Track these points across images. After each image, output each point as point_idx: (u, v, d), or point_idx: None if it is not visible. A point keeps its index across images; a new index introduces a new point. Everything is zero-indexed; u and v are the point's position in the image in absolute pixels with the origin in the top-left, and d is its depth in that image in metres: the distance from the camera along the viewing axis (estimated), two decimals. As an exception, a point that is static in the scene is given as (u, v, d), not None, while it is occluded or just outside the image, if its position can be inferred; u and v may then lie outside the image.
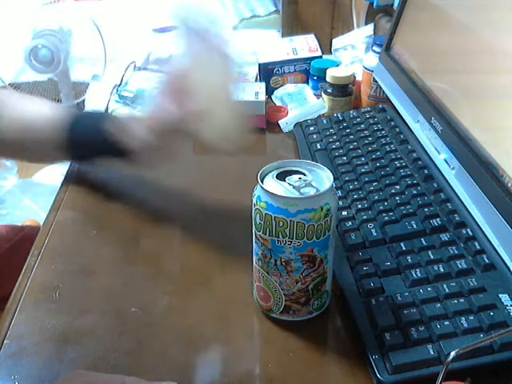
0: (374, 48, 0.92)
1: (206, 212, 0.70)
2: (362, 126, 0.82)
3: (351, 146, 0.77)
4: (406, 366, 0.47)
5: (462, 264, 0.54)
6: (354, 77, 0.92)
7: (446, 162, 0.66)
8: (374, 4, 1.29)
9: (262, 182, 0.49)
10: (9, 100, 0.76)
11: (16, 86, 1.73)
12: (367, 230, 0.61)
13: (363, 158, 0.74)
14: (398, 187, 0.66)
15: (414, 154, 0.72)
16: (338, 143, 0.80)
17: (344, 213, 0.65)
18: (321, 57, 1.03)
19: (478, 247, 0.55)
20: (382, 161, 0.72)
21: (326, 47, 1.16)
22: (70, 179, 0.77)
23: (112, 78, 1.05)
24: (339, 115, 0.86)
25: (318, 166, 0.51)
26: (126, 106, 0.98)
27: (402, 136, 0.76)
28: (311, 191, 0.48)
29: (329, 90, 0.91)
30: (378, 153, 0.74)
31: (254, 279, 0.55)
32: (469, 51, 0.65)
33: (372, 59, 0.91)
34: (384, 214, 0.62)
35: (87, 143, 0.70)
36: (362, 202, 0.66)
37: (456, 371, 0.44)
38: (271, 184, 0.49)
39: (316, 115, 0.90)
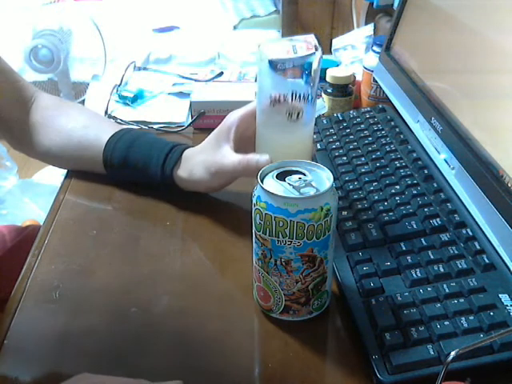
0: (374, 48, 0.92)
1: (206, 212, 0.70)
2: (362, 125, 0.82)
3: (351, 146, 0.77)
4: (406, 365, 0.47)
5: (461, 264, 0.54)
6: (354, 77, 0.92)
7: (446, 162, 0.66)
8: (374, 4, 1.29)
9: (261, 182, 0.49)
10: (59, 112, 0.77)
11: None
12: (367, 229, 0.61)
13: (363, 158, 0.74)
14: (398, 187, 0.66)
15: (414, 154, 0.72)
16: (338, 143, 0.80)
17: (344, 213, 0.64)
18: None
19: (478, 247, 0.55)
20: (382, 161, 0.72)
21: (326, 47, 1.16)
22: (70, 179, 0.77)
23: (112, 78, 1.05)
24: (339, 115, 0.86)
25: (318, 166, 0.51)
26: (126, 105, 0.98)
27: (402, 136, 0.76)
28: (311, 191, 0.48)
29: (329, 90, 0.91)
30: (378, 153, 0.74)
31: (254, 279, 0.55)
32: (468, 51, 0.65)
33: (372, 59, 0.91)
34: (384, 214, 0.62)
35: (137, 174, 0.72)
36: (362, 202, 0.66)
37: (456, 371, 0.44)
38: (271, 184, 0.49)
39: (316, 115, 0.89)
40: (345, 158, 0.76)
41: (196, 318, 0.56)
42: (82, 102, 1.22)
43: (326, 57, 1.05)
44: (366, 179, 0.69)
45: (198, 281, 0.61)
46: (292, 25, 2.14)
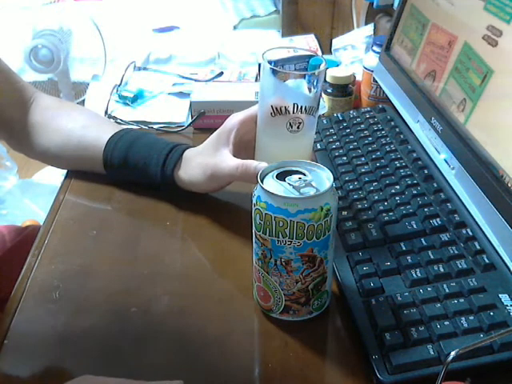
0: (374, 48, 0.92)
1: (206, 212, 0.70)
2: (362, 125, 0.82)
3: (351, 146, 0.77)
4: (406, 365, 0.47)
5: (461, 264, 0.54)
6: (354, 77, 0.92)
7: (446, 162, 0.66)
8: (374, 4, 1.29)
9: (261, 182, 0.49)
10: (59, 113, 0.77)
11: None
12: (367, 229, 0.61)
13: (363, 158, 0.74)
14: (398, 187, 0.66)
15: (414, 154, 0.72)
16: (338, 143, 0.80)
17: (344, 213, 0.64)
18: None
19: (478, 247, 0.55)
20: (382, 161, 0.72)
21: (326, 47, 1.17)
22: (70, 179, 0.77)
23: (112, 78, 1.05)
24: (339, 115, 0.86)
25: (318, 166, 0.51)
26: (126, 105, 0.98)
27: (402, 136, 0.76)
28: (311, 191, 0.48)
29: (329, 90, 0.91)
30: (378, 153, 0.74)
31: (254, 279, 0.55)
32: (468, 51, 0.65)
33: (372, 59, 0.91)
34: (384, 214, 0.62)
35: (137, 174, 0.72)
36: (362, 202, 0.66)
37: (456, 371, 0.44)
38: (271, 184, 0.49)
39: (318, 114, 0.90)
40: (345, 157, 0.76)
41: (196, 318, 0.56)
42: (82, 102, 1.22)
43: (326, 57, 1.05)
44: (366, 179, 0.69)
45: (198, 281, 0.61)
46: (292, 25, 2.14)
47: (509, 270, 0.52)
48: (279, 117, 0.60)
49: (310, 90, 0.59)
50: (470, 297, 0.50)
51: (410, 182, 0.66)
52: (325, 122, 0.86)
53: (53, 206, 0.72)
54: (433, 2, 0.76)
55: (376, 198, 0.65)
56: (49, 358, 0.52)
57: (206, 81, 1.03)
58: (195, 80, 1.04)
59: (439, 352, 0.47)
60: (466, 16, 0.67)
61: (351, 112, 0.86)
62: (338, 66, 1.05)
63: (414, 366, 0.47)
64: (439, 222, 0.60)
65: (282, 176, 0.49)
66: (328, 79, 0.91)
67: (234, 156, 0.64)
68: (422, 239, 0.58)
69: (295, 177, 0.49)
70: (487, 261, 0.54)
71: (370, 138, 0.78)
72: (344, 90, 0.91)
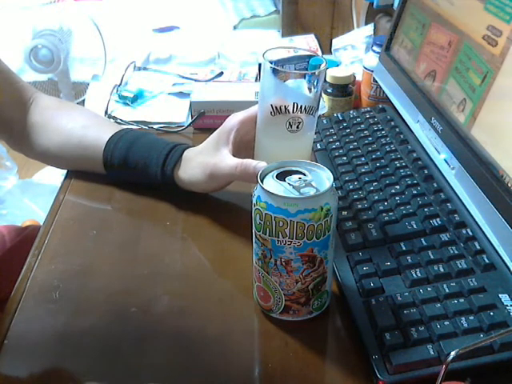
0: (374, 48, 0.92)
1: (206, 212, 0.70)
2: (362, 125, 0.82)
3: (351, 146, 0.77)
4: (406, 365, 0.47)
5: (461, 264, 0.54)
6: (354, 77, 0.92)
7: (446, 162, 0.66)
8: (374, 4, 1.29)
9: (261, 182, 0.49)
10: (58, 113, 0.78)
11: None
12: (367, 229, 0.61)
13: (363, 158, 0.74)
14: (398, 187, 0.66)
15: (414, 154, 0.72)
16: (338, 143, 0.80)
17: (344, 213, 0.64)
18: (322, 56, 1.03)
19: (478, 247, 0.55)
20: (382, 161, 0.72)
21: (326, 47, 1.17)
22: (70, 179, 0.77)
23: (112, 78, 1.05)
24: (339, 115, 0.86)
25: (318, 166, 0.51)
26: (126, 105, 0.98)
27: (402, 136, 0.76)
28: (311, 191, 0.48)
29: (329, 90, 0.91)
30: (378, 153, 0.74)
31: (254, 279, 0.55)
32: (468, 51, 0.65)
33: (372, 59, 0.91)
34: (384, 214, 0.62)
35: (137, 174, 0.72)
36: (362, 202, 0.66)
37: (456, 371, 0.44)
38: (271, 184, 0.49)
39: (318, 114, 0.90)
40: (345, 157, 0.76)
41: (196, 318, 0.56)
42: (82, 102, 1.22)
43: (326, 57, 1.05)
44: (366, 179, 0.69)
45: (198, 281, 0.61)
46: (292, 25, 2.14)
47: (509, 269, 0.52)
48: (279, 116, 0.60)
49: (310, 89, 0.59)
50: (470, 297, 0.50)
51: (410, 182, 0.66)
52: (325, 121, 0.86)
53: (53, 206, 0.72)
54: (433, 1, 0.76)
55: (376, 198, 0.65)
56: (49, 358, 0.52)
57: (206, 81, 1.03)
58: (195, 80, 1.04)
59: (439, 352, 0.47)
60: (466, 16, 0.67)
61: (351, 112, 0.86)
62: (337, 65, 1.05)
63: (414, 366, 0.47)
64: (439, 222, 0.60)
65: (281, 176, 0.49)
66: (328, 79, 0.91)
67: (234, 156, 0.64)
68: (422, 239, 0.58)
69: (295, 177, 0.49)
70: (487, 261, 0.54)
71: (370, 138, 0.78)
72: (344, 90, 0.91)
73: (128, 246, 0.65)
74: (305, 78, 0.59)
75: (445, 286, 0.52)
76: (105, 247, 0.65)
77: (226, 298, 0.58)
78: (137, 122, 0.92)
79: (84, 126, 0.75)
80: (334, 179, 0.51)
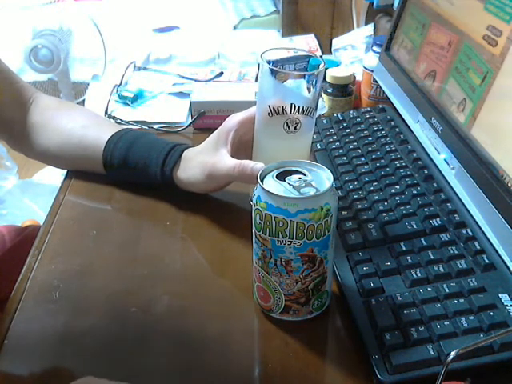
0: (374, 48, 0.92)
1: (205, 212, 0.70)
2: (362, 125, 0.82)
3: (351, 146, 0.77)
4: (406, 365, 0.47)
5: (461, 264, 0.54)
6: (354, 77, 0.92)
7: (446, 162, 0.66)
8: (374, 4, 1.29)
9: (261, 182, 0.49)
10: (58, 113, 0.78)
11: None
12: (367, 229, 0.61)
13: (363, 158, 0.74)
14: (398, 187, 0.66)
15: (414, 154, 0.72)
16: (338, 143, 0.80)
17: (344, 213, 0.64)
18: (321, 57, 1.03)
19: (478, 247, 0.55)
20: (382, 161, 0.72)
21: (326, 47, 1.17)
22: (70, 179, 0.77)
23: (112, 78, 1.05)
24: (339, 115, 0.86)
25: (318, 166, 0.51)
26: (126, 105, 0.98)
27: (402, 136, 0.76)
28: (311, 191, 0.48)
29: (329, 90, 0.91)
30: (378, 153, 0.74)
31: (254, 279, 0.55)
32: (468, 51, 0.65)
33: (372, 59, 0.91)
34: (384, 214, 0.62)
35: (137, 174, 0.72)
36: (362, 202, 0.66)
37: (456, 371, 0.44)
38: (271, 184, 0.49)
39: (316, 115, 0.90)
40: (345, 157, 0.76)
41: (196, 318, 0.56)
42: (82, 102, 1.22)
43: (326, 57, 1.05)
44: (366, 179, 0.69)
45: (198, 281, 0.61)
46: (292, 25, 2.14)
47: (509, 269, 0.52)
48: (276, 117, 0.60)
49: (309, 89, 0.59)
50: (470, 297, 0.50)
51: (410, 182, 0.66)
52: (325, 121, 0.86)
53: (53, 206, 0.72)
54: (433, 1, 0.76)
55: (376, 197, 0.65)
56: (49, 357, 0.52)
57: (206, 81, 1.03)
58: (195, 80, 1.04)
59: (439, 352, 0.47)
60: (466, 16, 0.67)
61: (351, 112, 0.86)
62: (338, 65, 1.05)
63: (414, 366, 0.47)
64: (439, 222, 0.60)
65: (281, 176, 0.49)
66: (328, 79, 0.91)
67: (233, 156, 0.64)
68: (422, 239, 0.58)
69: (295, 177, 0.49)
70: (487, 261, 0.54)
71: (370, 138, 0.78)
72: (344, 90, 0.91)
73: (128, 246, 0.65)
74: (304, 78, 0.59)
75: (445, 286, 0.52)
76: (105, 247, 0.65)
77: (226, 298, 0.58)
78: (137, 122, 0.92)
79: (84, 125, 0.75)
80: (334, 179, 0.51)
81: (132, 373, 0.50)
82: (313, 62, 0.98)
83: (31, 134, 0.76)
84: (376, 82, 0.90)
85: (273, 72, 0.58)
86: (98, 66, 1.64)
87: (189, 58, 1.19)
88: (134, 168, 0.71)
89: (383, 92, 0.88)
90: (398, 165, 0.70)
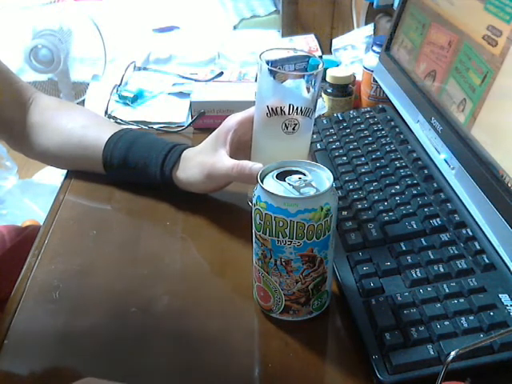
0: (374, 48, 0.92)
1: (205, 212, 0.70)
2: (362, 125, 0.82)
3: (351, 146, 0.77)
4: (406, 365, 0.47)
5: (461, 264, 0.54)
6: (354, 77, 0.92)
7: (446, 162, 0.66)
8: (374, 4, 1.29)
9: (261, 182, 0.49)
10: (58, 113, 0.78)
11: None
12: (367, 229, 0.61)
13: (363, 158, 0.74)
14: (398, 187, 0.66)
15: (414, 154, 0.72)
16: (338, 143, 0.80)
17: (344, 213, 0.64)
18: (321, 57, 1.03)
19: (478, 247, 0.55)
20: (382, 161, 0.72)
21: (326, 47, 1.17)
22: (70, 179, 0.77)
23: (112, 78, 1.05)
24: (339, 115, 0.86)
25: (318, 166, 0.51)
26: (126, 105, 0.98)
27: (402, 136, 0.76)
28: (311, 191, 0.48)
29: (329, 90, 0.91)
30: (378, 153, 0.74)
31: (254, 279, 0.55)
32: (468, 51, 0.65)
33: (372, 59, 0.91)
34: (384, 214, 0.62)
35: (137, 174, 0.72)
36: (362, 202, 0.66)
37: (456, 371, 0.44)
38: (271, 184, 0.49)
39: (316, 115, 0.90)
40: (345, 157, 0.76)
41: (196, 318, 0.56)
42: (82, 102, 1.22)
43: (326, 57, 1.05)
44: (366, 179, 0.69)
45: (198, 281, 0.61)
46: (292, 25, 2.14)
47: (509, 269, 0.52)
48: (275, 117, 0.60)
49: (308, 90, 0.59)
50: (470, 297, 0.50)
51: (410, 182, 0.66)
52: (325, 121, 0.86)
53: (53, 206, 0.72)
54: (433, 1, 0.76)
55: (376, 198, 0.65)
56: (49, 357, 0.52)
57: (206, 81, 1.03)
58: (195, 80, 1.04)
59: (439, 352, 0.47)
60: (465, 16, 0.67)
61: (351, 112, 0.86)
62: (337, 65, 1.05)
63: (414, 366, 0.47)
64: (439, 222, 0.60)
65: (281, 176, 0.49)
66: (328, 79, 0.91)
67: (232, 156, 0.64)
68: (422, 239, 0.58)
69: (295, 177, 0.49)
70: (487, 261, 0.54)
71: (370, 138, 0.78)
72: (344, 90, 0.91)
73: (128, 246, 0.65)
74: (303, 78, 0.59)
75: (445, 285, 0.52)
76: (105, 247, 0.65)
77: (226, 297, 0.58)
78: (137, 122, 0.92)
79: (84, 125, 0.75)
80: (334, 179, 0.51)
81: (132, 373, 0.50)
82: (313, 62, 0.99)
83: (31, 134, 0.76)
84: (376, 81, 0.90)
85: (271, 72, 0.58)
86: (98, 66, 1.64)
87: (189, 58, 1.19)
88: (134, 168, 0.71)
89: (383, 92, 0.88)
90: (398, 165, 0.70)
